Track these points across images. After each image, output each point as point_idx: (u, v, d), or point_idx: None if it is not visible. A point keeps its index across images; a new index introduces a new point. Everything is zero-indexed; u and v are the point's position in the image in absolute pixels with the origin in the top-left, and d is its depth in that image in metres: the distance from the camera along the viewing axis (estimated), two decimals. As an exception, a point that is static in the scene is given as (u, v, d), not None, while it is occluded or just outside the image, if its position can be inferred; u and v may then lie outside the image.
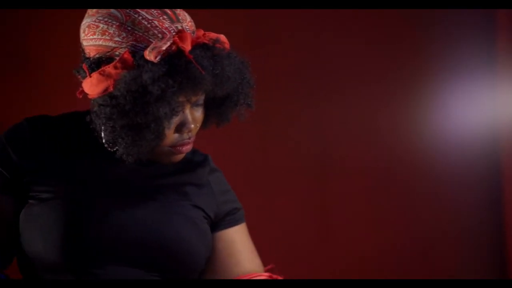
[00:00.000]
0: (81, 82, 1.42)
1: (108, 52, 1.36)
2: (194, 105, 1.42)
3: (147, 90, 1.31)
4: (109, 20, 1.37)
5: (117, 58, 1.35)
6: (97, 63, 1.37)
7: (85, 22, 1.41)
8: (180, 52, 1.34)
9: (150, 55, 1.32)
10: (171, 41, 1.33)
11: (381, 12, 2.67)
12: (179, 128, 1.41)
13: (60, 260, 1.38)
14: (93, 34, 1.38)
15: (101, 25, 1.38)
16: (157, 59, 1.32)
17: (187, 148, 1.43)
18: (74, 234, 1.38)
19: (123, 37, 1.36)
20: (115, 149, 1.40)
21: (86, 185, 1.43)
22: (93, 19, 1.39)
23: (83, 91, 1.41)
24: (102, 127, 1.38)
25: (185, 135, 1.42)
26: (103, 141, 1.41)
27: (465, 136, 2.70)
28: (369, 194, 2.74)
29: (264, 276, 1.58)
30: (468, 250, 2.72)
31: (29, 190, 1.43)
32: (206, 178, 1.54)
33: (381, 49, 2.74)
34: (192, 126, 1.41)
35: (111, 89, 1.34)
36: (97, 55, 1.37)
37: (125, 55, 1.34)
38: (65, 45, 2.71)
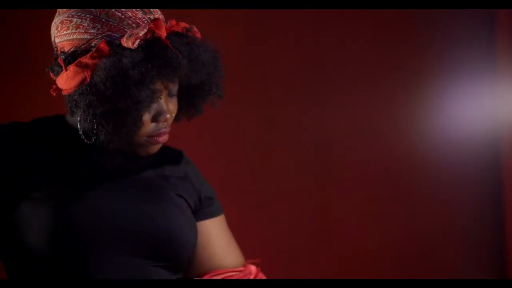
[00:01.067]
0: (55, 79, 1.43)
1: (84, 44, 1.38)
2: (169, 95, 1.45)
3: (127, 75, 1.34)
4: (83, 14, 1.40)
5: (93, 49, 1.37)
6: (73, 56, 1.39)
7: (57, 19, 1.43)
8: (156, 38, 1.37)
9: (127, 42, 1.35)
10: (147, 28, 1.37)
11: (382, 12, 2.66)
12: (156, 118, 1.43)
13: (54, 257, 1.39)
14: (67, 29, 1.40)
15: (75, 20, 1.40)
16: (135, 45, 1.35)
17: (164, 138, 1.46)
18: (66, 231, 1.39)
19: (98, 29, 1.38)
20: (93, 140, 1.42)
21: (74, 182, 1.44)
22: (65, 16, 1.41)
23: (57, 88, 1.42)
24: (81, 117, 1.40)
25: (161, 125, 1.44)
26: (80, 132, 1.42)
27: (465, 136, 2.70)
28: (370, 194, 2.74)
29: (234, 272, 1.59)
30: (468, 250, 2.72)
31: (19, 191, 1.43)
32: (184, 170, 1.57)
33: (382, 49, 2.74)
34: (168, 115, 1.43)
35: (88, 80, 1.36)
36: (72, 49, 1.39)
37: (101, 45, 1.36)
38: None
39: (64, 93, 1.41)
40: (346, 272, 2.70)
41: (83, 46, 1.38)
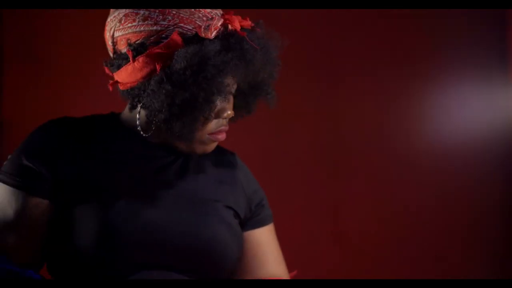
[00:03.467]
0: (112, 74, 1.42)
1: (153, 35, 1.37)
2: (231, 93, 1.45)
3: (209, 63, 1.33)
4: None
5: (164, 40, 1.36)
6: (142, 47, 1.38)
7: (118, 13, 1.41)
8: (232, 31, 1.37)
9: (206, 33, 1.35)
10: (223, 20, 1.37)
11: (395, 12, 2.66)
12: (219, 114, 1.43)
13: (95, 263, 1.36)
14: (133, 21, 1.39)
15: (142, 12, 1.38)
16: (213, 35, 1.35)
17: (223, 136, 1.46)
18: (108, 237, 1.36)
19: (169, 20, 1.37)
20: (149, 134, 1.42)
21: (119, 186, 1.41)
22: (129, 10, 1.40)
23: (116, 81, 1.41)
24: (156, 107, 1.37)
25: (223, 121, 1.44)
26: (137, 123, 1.42)
27: (477, 135, 2.69)
28: (381, 193, 2.73)
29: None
30: (480, 251, 2.71)
31: (64, 194, 1.40)
32: (238, 177, 1.54)
33: (394, 49, 2.74)
34: (230, 112, 1.43)
35: (157, 71, 1.35)
36: (140, 40, 1.38)
37: (175, 36, 1.35)
38: (75, 44, 2.72)
39: (125, 87, 1.40)
40: (357, 272, 2.70)
41: (152, 38, 1.37)
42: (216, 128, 1.44)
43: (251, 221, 1.54)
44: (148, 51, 1.36)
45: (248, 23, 1.41)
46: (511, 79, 2.64)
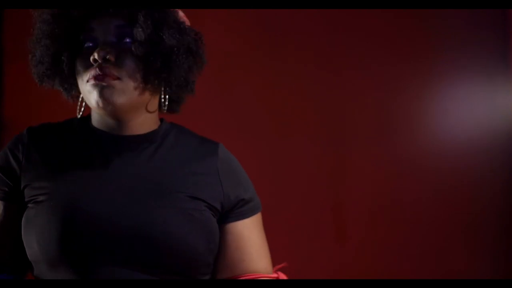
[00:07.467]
0: None
1: None
2: (105, 43, 1.45)
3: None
4: None
5: None
6: None
7: None
8: None
9: None
10: None
11: (398, 12, 2.66)
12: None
13: (55, 260, 1.38)
14: None
15: None
16: None
17: (98, 80, 1.42)
18: (67, 233, 1.37)
19: None
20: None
21: (80, 183, 1.42)
22: None
23: None
24: None
25: (93, 71, 1.43)
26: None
27: (478, 135, 2.69)
28: (382, 192, 2.73)
29: (269, 277, 1.53)
30: (481, 250, 2.71)
31: (27, 195, 1.44)
32: (215, 167, 1.51)
33: (396, 49, 2.74)
34: (96, 55, 1.42)
35: None
36: None
37: None
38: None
39: None
40: (357, 270, 2.70)
41: None
42: (89, 75, 1.44)
43: (232, 213, 1.51)
44: None
45: None
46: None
